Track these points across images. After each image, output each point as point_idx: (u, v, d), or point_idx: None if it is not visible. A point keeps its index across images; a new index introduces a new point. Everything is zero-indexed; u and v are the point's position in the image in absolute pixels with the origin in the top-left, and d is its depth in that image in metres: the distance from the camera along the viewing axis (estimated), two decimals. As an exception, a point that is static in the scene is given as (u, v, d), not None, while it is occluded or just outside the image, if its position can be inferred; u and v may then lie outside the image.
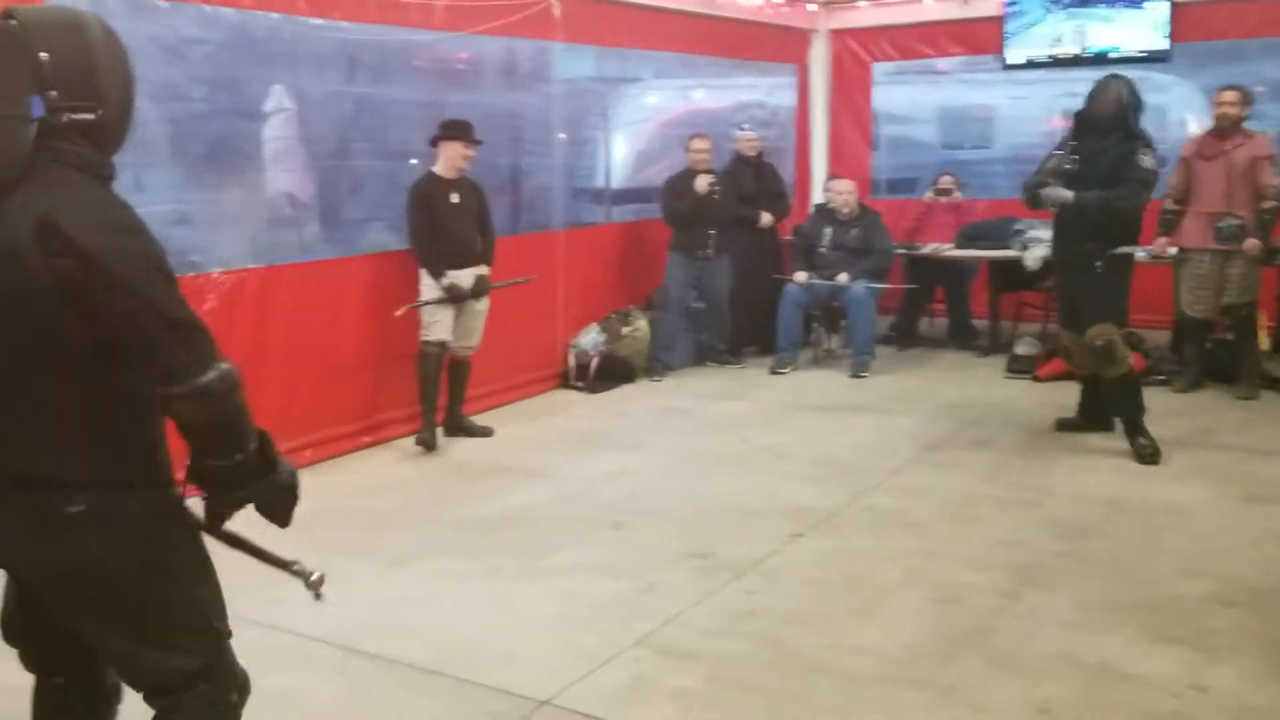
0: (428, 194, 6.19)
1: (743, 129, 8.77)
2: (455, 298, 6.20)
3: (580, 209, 9.00)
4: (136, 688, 2.27)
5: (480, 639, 3.88)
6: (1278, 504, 5.12)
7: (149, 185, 5.93)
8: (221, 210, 6.18)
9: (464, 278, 6.24)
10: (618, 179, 9.36)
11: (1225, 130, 6.90)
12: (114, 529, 2.11)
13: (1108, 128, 5.72)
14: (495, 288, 6.42)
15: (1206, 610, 4.00)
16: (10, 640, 2.35)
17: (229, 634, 2.31)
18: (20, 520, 2.11)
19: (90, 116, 2.10)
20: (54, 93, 2.06)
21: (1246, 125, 6.96)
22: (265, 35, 5.99)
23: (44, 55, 2.05)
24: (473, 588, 4.36)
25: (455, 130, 6.20)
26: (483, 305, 6.38)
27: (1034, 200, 5.90)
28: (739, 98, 9.74)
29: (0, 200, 2.01)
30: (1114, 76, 5.85)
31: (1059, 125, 10.15)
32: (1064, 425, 6.32)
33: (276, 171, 6.63)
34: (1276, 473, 5.58)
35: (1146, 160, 5.67)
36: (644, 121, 9.78)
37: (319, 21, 6.11)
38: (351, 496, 5.54)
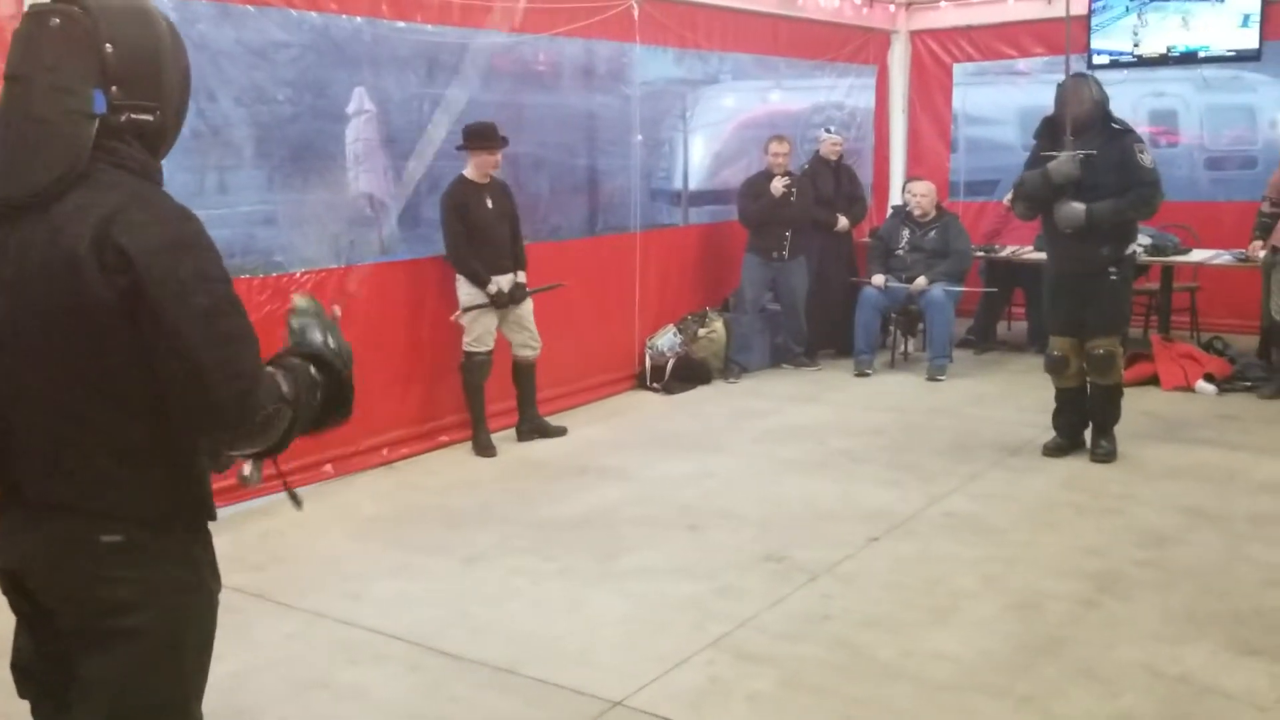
0: (462, 200, 6.10)
1: (828, 131, 8.72)
2: (500, 304, 6.18)
3: (657, 211, 9.01)
4: None
5: (554, 638, 3.92)
6: (1371, 516, 4.98)
7: (234, 186, 6.07)
8: (304, 210, 6.29)
9: (504, 283, 6.22)
10: (695, 180, 9.36)
11: None
12: (149, 573, 1.91)
13: (1086, 128, 5.56)
14: (530, 293, 6.38)
15: (1295, 624, 3.91)
16: (25, 689, 2.10)
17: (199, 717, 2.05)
18: (48, 547, 1.91)
19: (149, 118, 1.92)
20: (115, 89, 1.88)
21: None
22: (348, 38, 6.08)
23: (108, 47, 1.87)
24: (547, 587, 4.40)
25: (479, 139, 6.09)
26: (526, 308, 6.35)
27: (1027, 214, 5.91)
28: (817, 99, 9.68)
29: (52, 204, 1.84)
30: (1081, 76, 5.75)
31: (1144, 129, 9.96)
32: (1054, 451, 5.97)
33: (358, 172, 6.74)
34: (1370, 484, 5.43)
35: (1147, 159, 5.56)
36: (722, 123, 9.76)
37: (401, 24, 6.20)
38: (428, 495, 5.62)
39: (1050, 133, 5.70)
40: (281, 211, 6.31)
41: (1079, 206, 5.51)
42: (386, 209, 6.93)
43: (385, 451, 6.08)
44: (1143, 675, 3.56)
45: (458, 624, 4.03)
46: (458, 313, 6.17)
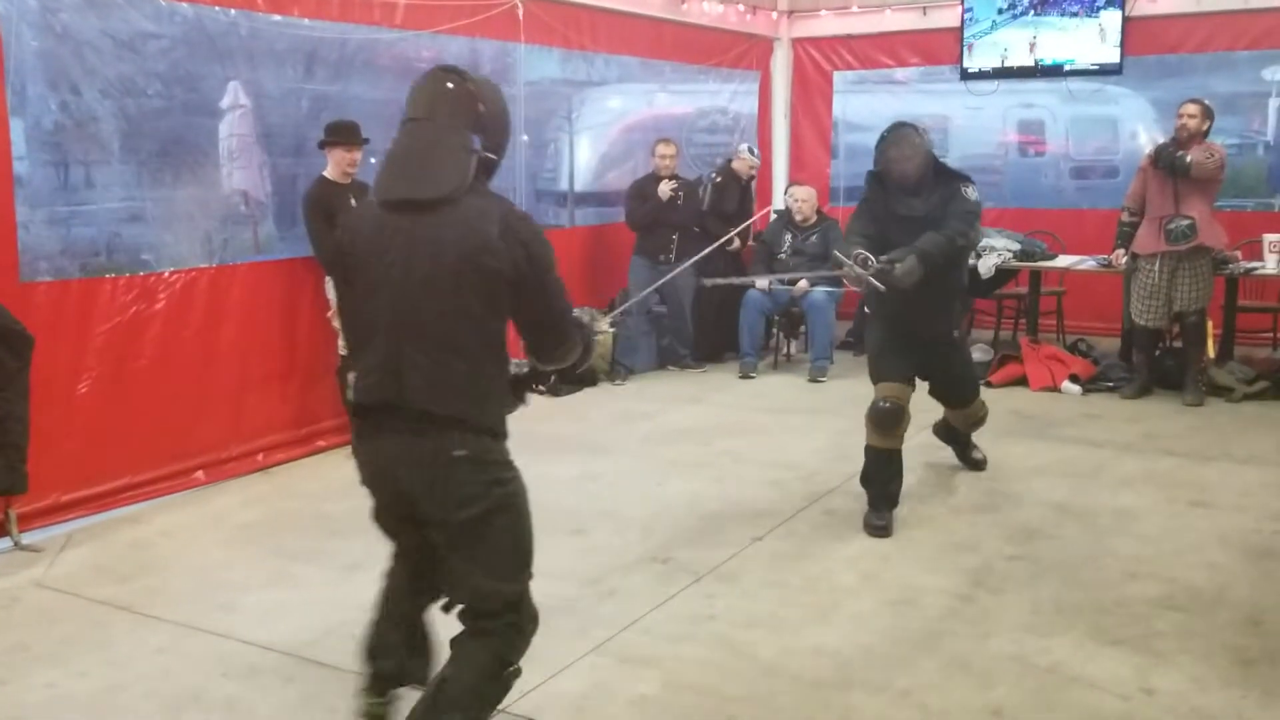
0: (326, 201, 5.97)
1: (752, 151, 8.78)
2: None
3: (543, 212, 8.98)
4: (461, 602, 2.82)
5: (435, 646, 3.86)
6: (1222, 509, 5.21)
7: (100, 182, 5.84)
8: (174, 208, 6.09)
9: None
10: (581, 182, 9.34)
11: (1184, 142, 7.01)
12: (485, 472, 2.69)
13: (919, 186, 5.00)
14: None
15: (1153, 613, 4.07)
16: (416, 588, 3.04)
17: (532, 576, 2.83)
18: (417, 457, 2.67)
19: (493, 157, 2.79)
20: (482, 136, 2.74)
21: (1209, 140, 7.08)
22: (222, 31, 5.92)
23: (482, 107, 2.76)
24: (430, 591, 4.33)
25: (338, 135, 6.00)
26: None
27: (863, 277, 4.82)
28: (702, 103, 9.77)
29: (446, 206, 2.65)
30: (903, 125, 5.07)
31: (1013, 139, 10.32)
32: (882, 532, 4.93)
33: (231, 169, 6.55)
34: (1221, 478, 5.68)
35: (972, 193, 5.00)
36: (608, 125, 9.76)
37: (277, 18, 6.07)
38: (306, 501, 5.49)
39: (879, 184, 5.13)
40: (150, 209, 6.09)
41: (914, 266, 4.77)
42: (263, 207, 6.76)
43: (260, 457, 5.93)
44: (1014, 666, 3.67)
45: (335, 633, 3.94)
46: (333, 311, 6.05)
